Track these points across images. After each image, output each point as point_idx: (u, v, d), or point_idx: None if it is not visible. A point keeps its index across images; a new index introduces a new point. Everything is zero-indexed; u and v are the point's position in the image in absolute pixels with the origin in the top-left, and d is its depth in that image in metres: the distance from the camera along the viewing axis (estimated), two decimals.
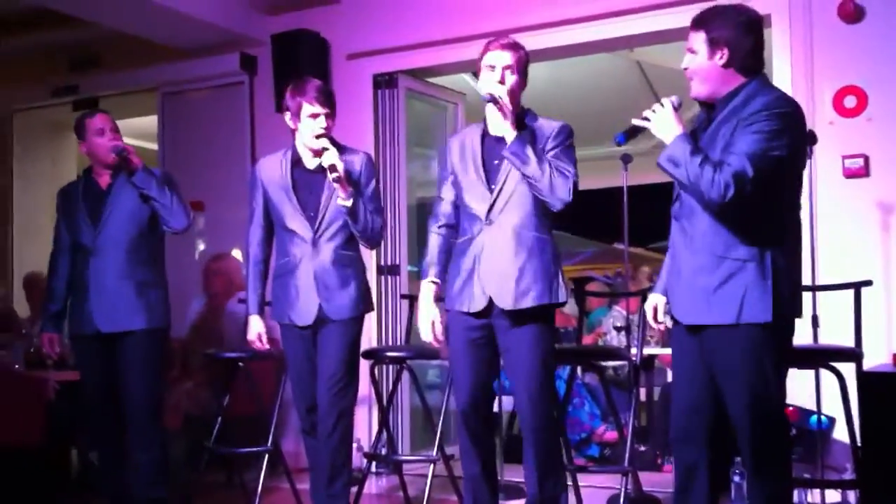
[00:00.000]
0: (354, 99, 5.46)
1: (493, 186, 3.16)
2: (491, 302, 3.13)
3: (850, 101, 4.34)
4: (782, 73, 4.48)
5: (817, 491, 4.00)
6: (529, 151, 3.07)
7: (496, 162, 3.17)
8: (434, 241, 3.33)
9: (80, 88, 6.53)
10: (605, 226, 10.44)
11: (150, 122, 6.51)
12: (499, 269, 3.12)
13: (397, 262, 5.52)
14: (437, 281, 3.28)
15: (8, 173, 7.09)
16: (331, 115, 3.56)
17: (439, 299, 3.29)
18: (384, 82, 5.58)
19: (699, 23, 2.74)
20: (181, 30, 5.64)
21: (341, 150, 3.53)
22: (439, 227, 3.34)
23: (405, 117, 5.64)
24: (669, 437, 2.92)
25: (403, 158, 5.61)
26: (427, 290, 3.28)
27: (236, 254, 5.82)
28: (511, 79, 3.16)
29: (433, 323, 3.24)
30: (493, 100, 3.10)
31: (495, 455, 3.32)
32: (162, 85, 6.18)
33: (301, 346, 3.61)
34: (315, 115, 3.51)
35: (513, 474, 3.36)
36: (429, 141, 6.19)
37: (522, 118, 3.19)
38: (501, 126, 3.13)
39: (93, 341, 3.79)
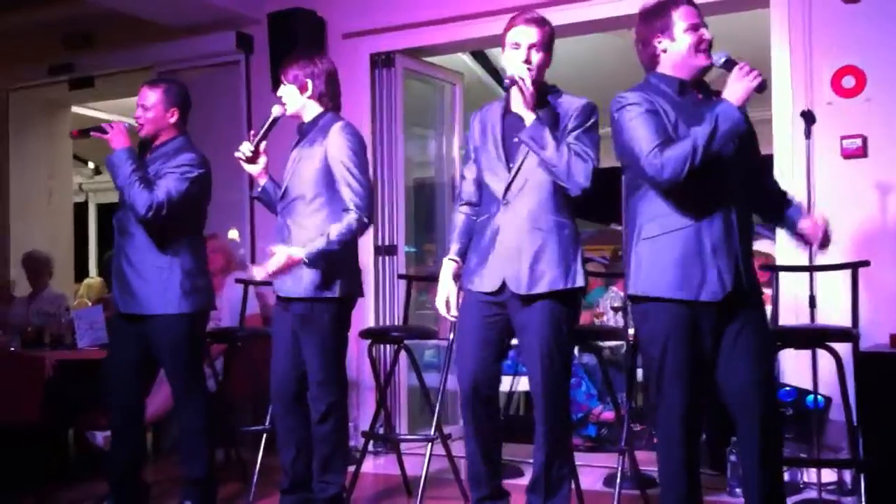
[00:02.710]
0: (351, 78, 5.39)
1: (511, 166, 3.10)
2: (505, 283, 3.09)
3: (848, 82, 4.32)
4: (781, 52, 4.46)
5: (813, 470, 4.02)
6: (547, 135, 2.98)
7: (516, 140, 3.08)
8: (457, 219, 3.33)
9: (76, 67, 6.49)
10: (602, 206, 10.41)
11: None
12: (513, 252, 3.07)
13: (394, 242, 5.51)
14: (456, 259, 3.28)
15: (3, 152, 7.06)
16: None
17: (458, 277, 3.28)
18: (381, 62, 5.54)
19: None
20: (177, 8, 5.60)
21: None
22: (462, 205, 3.33)
23: (402, 97, 5.60)
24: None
25: (401, 138, 5.59)
26: (446, 267, 3.29)
27: (233, 234, 5.80)
28: (537, 57, 3.08)
29: (447, 299, 3.25)
30: (514, 83, 2.99)
31: (499, 436, 3.25)
32: (157, 64, 6.12)
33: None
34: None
35: (507, 453, 3.35)
36: (426, 121, 6.16)
37: (545, 95, 3.11)
38: (521, 108, 3.02)
39: (120, 318, 3.79)
